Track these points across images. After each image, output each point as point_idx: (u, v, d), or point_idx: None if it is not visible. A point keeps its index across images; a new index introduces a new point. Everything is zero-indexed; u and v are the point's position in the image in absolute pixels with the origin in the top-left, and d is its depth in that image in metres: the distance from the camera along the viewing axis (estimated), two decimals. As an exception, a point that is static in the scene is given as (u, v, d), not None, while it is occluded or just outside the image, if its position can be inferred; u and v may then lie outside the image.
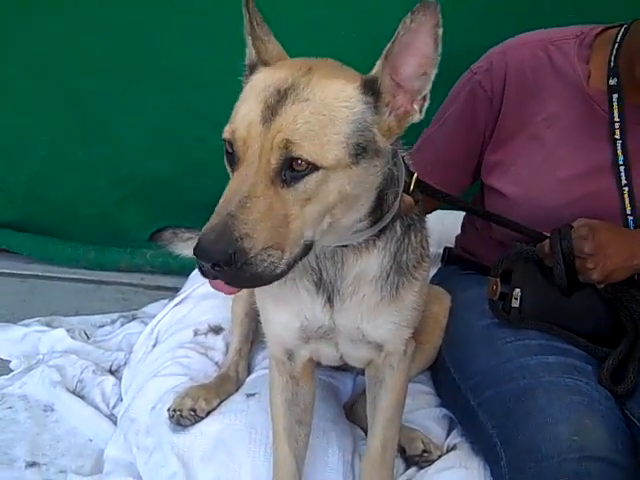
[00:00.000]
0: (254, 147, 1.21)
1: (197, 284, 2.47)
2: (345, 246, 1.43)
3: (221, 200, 1.21)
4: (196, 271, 2.59)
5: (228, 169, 1.29)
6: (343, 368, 2.01)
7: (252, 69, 1.38)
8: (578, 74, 1.89)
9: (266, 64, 1.36)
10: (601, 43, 1.89)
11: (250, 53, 1.40)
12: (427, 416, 2.00)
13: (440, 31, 1.22)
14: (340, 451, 1.84)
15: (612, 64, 1.84)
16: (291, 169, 1.21)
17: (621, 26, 1.89)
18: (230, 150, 1.26)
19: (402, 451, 1.89)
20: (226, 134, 1.26)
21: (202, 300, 2.38)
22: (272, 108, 1.22)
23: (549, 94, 1.91)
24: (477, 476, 1.78)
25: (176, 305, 2.41)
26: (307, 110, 1.22)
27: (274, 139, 1.20)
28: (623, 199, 1.86)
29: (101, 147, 2.97)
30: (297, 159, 1.20)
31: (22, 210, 3.15)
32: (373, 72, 1.30)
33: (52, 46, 2.80)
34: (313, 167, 1.21)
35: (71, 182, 3.05)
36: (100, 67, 2.80)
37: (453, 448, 1.91)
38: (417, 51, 1.25)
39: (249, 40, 1.39)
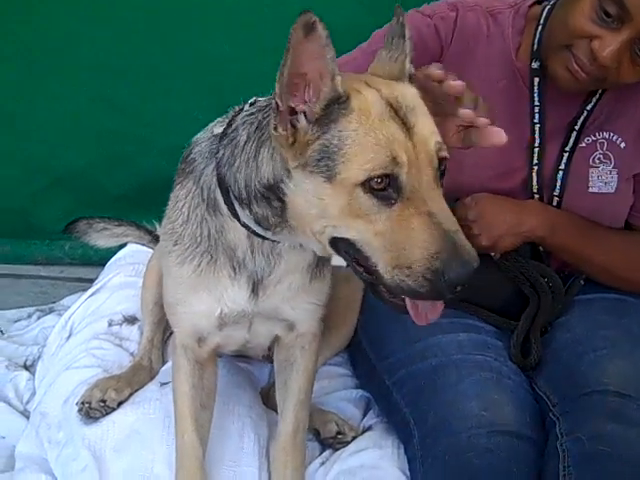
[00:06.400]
0: (422, 164, 1.20)
1: (112, 274, 2.43)
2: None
3: (450, 225, 1.23)
4: (111, 261, 2.56)
5: (376, 209, 1.18)
6: (244, 355, 1.99)
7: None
8: (508, 45, 1.87)
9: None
10: (532, 17, 1.87)
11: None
12: (343, 398, 2.01)
13: None
14: (256, 436, 1.83)
15: (535, 47, 1.83)
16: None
17: (546, 2, 1.86)
18: (382, 186, 1.18)
19: (317, 434, 1.89)
20: (380, 170, 1.16)
21: (117, 290, 2.34)
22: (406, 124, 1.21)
23: (481, 62, 1.87)
24: (391, 455, 1.80)
25: (90, 296, 2.35)
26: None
27: (427, 150, 1.21)
28: (531, 177, 1.88)
29: (12, 139, 2.88)
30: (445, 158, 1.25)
31: None
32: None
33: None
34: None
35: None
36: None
37: (369, 429, 1.92)
38: None
39: None
